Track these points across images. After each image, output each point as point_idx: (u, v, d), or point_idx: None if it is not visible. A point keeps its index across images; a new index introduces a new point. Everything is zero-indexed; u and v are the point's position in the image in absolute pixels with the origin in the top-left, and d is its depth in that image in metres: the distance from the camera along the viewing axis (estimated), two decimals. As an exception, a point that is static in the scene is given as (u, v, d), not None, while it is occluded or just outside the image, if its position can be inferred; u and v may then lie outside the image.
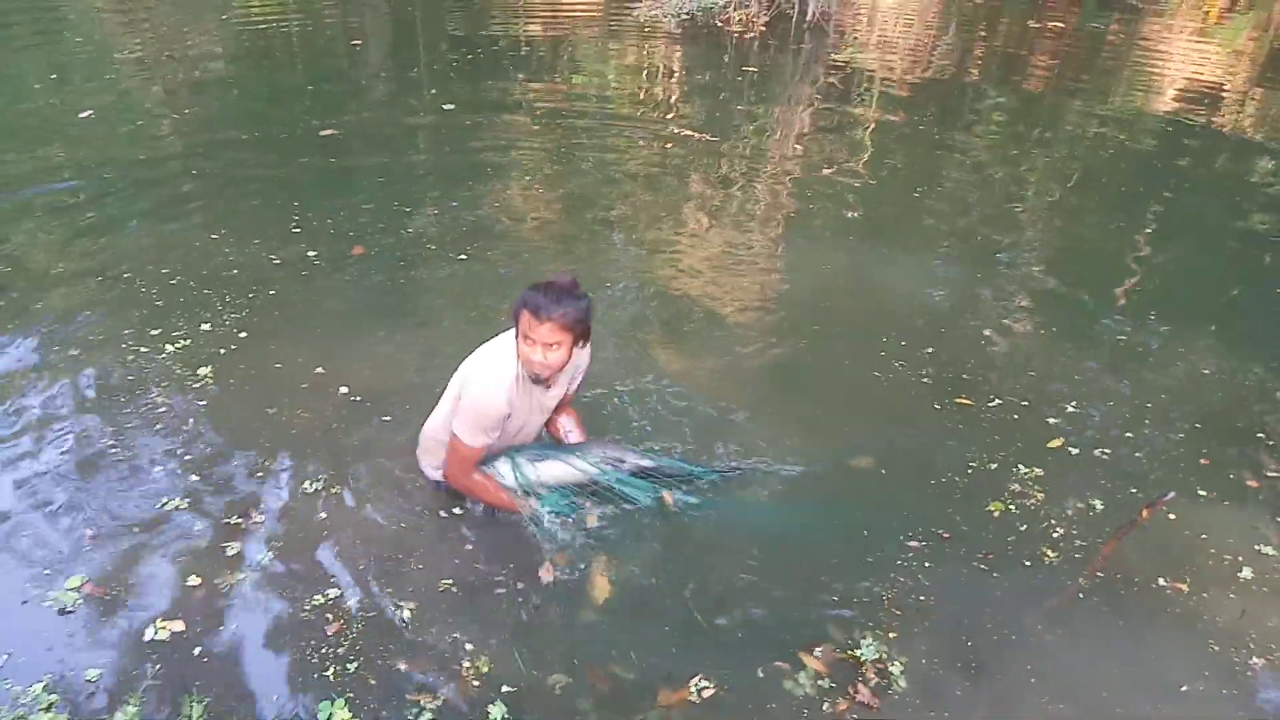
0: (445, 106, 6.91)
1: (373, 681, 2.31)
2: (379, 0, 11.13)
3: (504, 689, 2.29)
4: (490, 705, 2.24)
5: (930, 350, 3.87)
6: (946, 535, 2.87)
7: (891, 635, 2.50)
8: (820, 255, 4.81)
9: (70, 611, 2.47)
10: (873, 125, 7.05)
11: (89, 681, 2.27)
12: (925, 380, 3.69)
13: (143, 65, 7.89)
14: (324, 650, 2.39)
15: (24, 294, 4.01)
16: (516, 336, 2.53)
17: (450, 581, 2.61)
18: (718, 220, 5.21)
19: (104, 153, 5.73)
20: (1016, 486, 3.10)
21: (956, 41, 10.34)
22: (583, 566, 2.68)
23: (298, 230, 4.73)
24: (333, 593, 2.56)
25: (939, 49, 9.81)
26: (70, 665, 2.32)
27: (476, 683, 2.31)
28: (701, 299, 4.29)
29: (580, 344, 2.60)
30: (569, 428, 2.99)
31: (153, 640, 2.39)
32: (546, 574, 2.64)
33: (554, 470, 2.78)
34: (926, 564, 2.76)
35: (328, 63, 8.46)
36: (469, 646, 2.41)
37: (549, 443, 2.95)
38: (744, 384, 3.68)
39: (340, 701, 2.24)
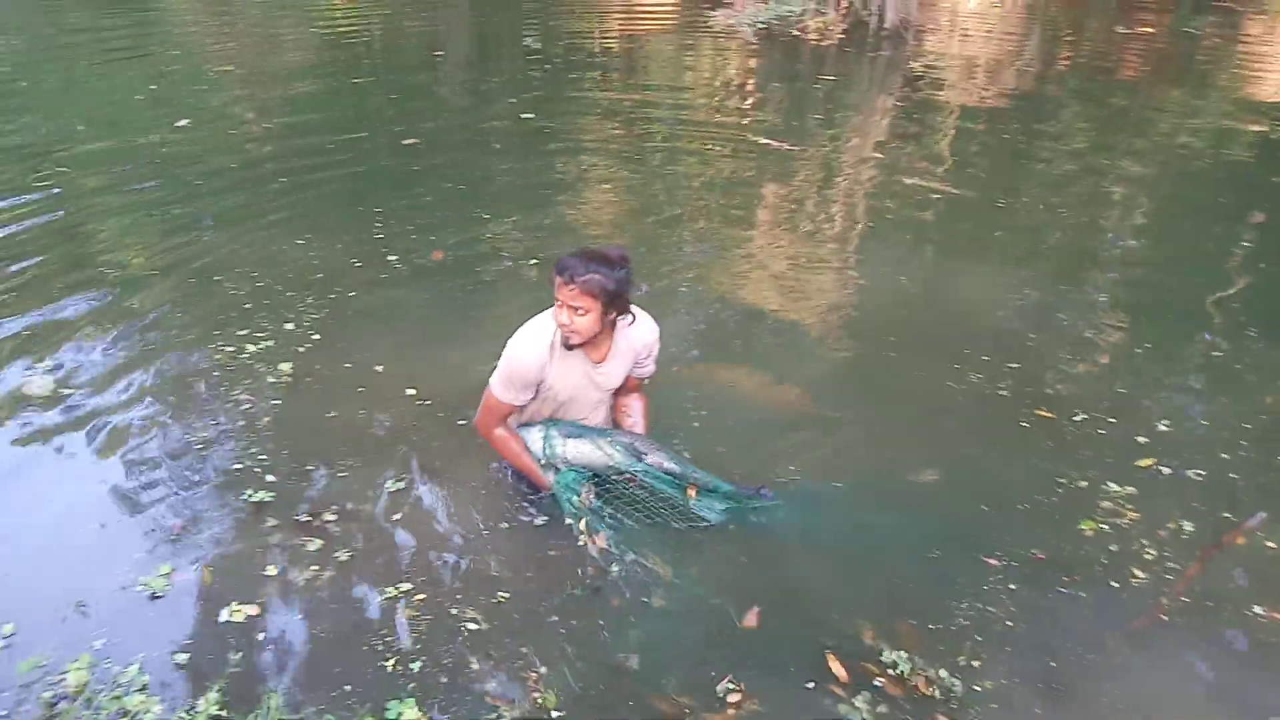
0: (524, 115, 7.01)
1: (443, 680, 2.34)
2: (460, 11, 11.38)
3: (565, 707, 2.29)
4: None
5: (1015, 365, 3.76)
6: (1041, 556, 2.78)
7: (974, 662, 2.42)
8: (897, 265, 4.73)
9: (160, 596, 2.57)
10: (953, 133, 6.91)
11: (178, 666, 2.36)
12: (1005, 394, 3.59)
13: (234, 77, 8.21)
14: (390, 646, 2.43)
15: (120, 293, 4.19)
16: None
17: (507, 594, 2.61)
18: (792, 228, 5.17)
19: (199, 160, 5.97)
20: (1109, 504, 2.99)
21: (1040, 48, 10.09)
22: (639, 572, 2.65)
23: (380, 235, 4.85)
24: (405, 587, 2.61)
25: (1022, 56, 9.57)
26: (160, 647, 2.41)
27: (539, 695, 2.31)
28: (771, 306, 4.26)
29: (616, 316, 2.57)
30: (634, 415, 2.95)
31: (232, 624, 2.48)
32: (594, 546, 2.68)
33: (580, 449, 2.77)
34: (1011, 585, 2.67)
35: (410, 73, 8.67)
36: (532, 656, 2.42)
37: (587, 424, 2.87)
38: (811, 394, 3.61)
39: (409, 701, 2.27)
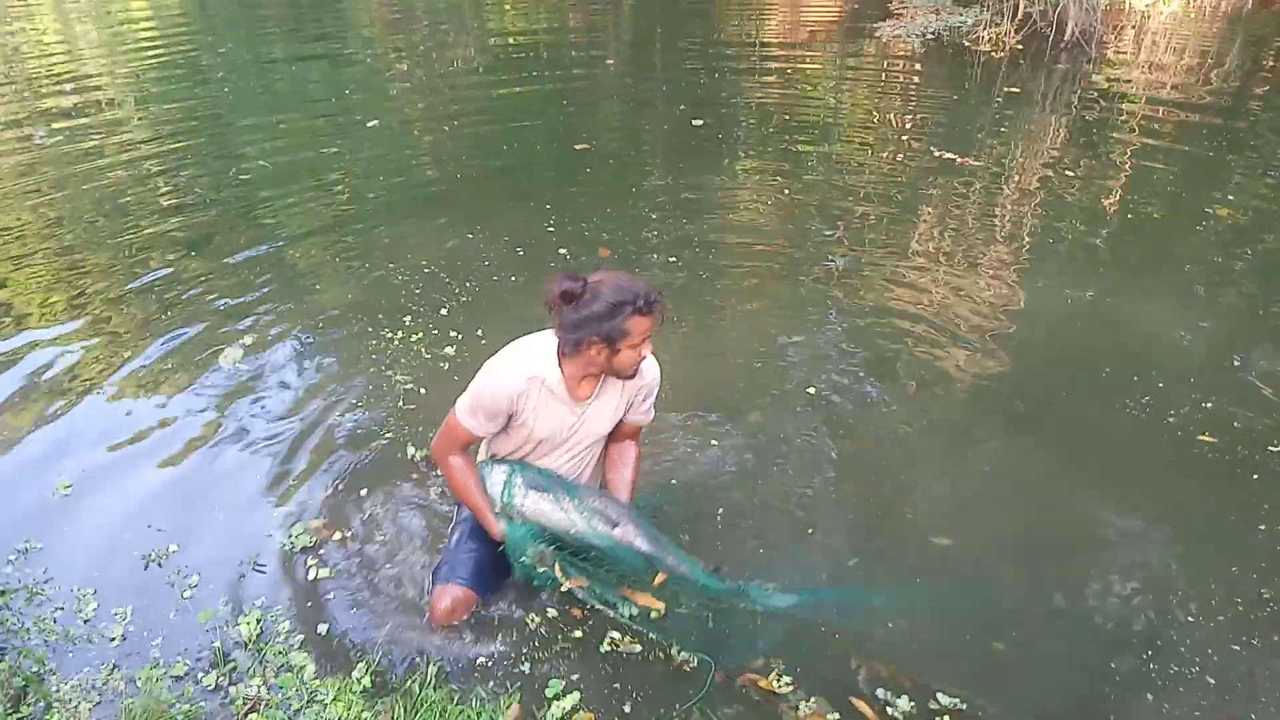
0: (694, 122, 7.01)
1: (604, 671, 2.35)
2: (623, 13, 11.57)
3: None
4: None
5: (1207, 403, 3.45)
6: (1265, 593, 2.59)
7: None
8: (1068, 285, 4.43)
9: (317, 562, 2.71)
10: (1135, 149, 6.45)
11: (333, 630, 2.47)
12: (1186, 425, 3.31)
13: (416, 83, 8.64)
14: (525, 633, 2.46)
15: (297, 276, 4.48)
16: (605, 348, 2.19)
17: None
18: (955, 242, 4.94)
19: (384, 158, 6.31)
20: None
21: (1240, 64, 9.29)
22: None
23: (551, 230, 4.99)
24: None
25: (1218, 72, 8.84)
26: (317, 610, 2.55)
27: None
28: (924, 323, 4.07)
29: None
30: (623, 467, 2.56)
31: (381, 595, 2.59)
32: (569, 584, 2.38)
33: (541, 506, 2.36)
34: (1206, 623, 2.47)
35: (579, 78, 8.86)
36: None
37: (561, 475, 2.47)
38: (969, 423, 3.42)
39: (575, 695, 2.26)
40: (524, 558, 2.35)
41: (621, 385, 2.40)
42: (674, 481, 3.05)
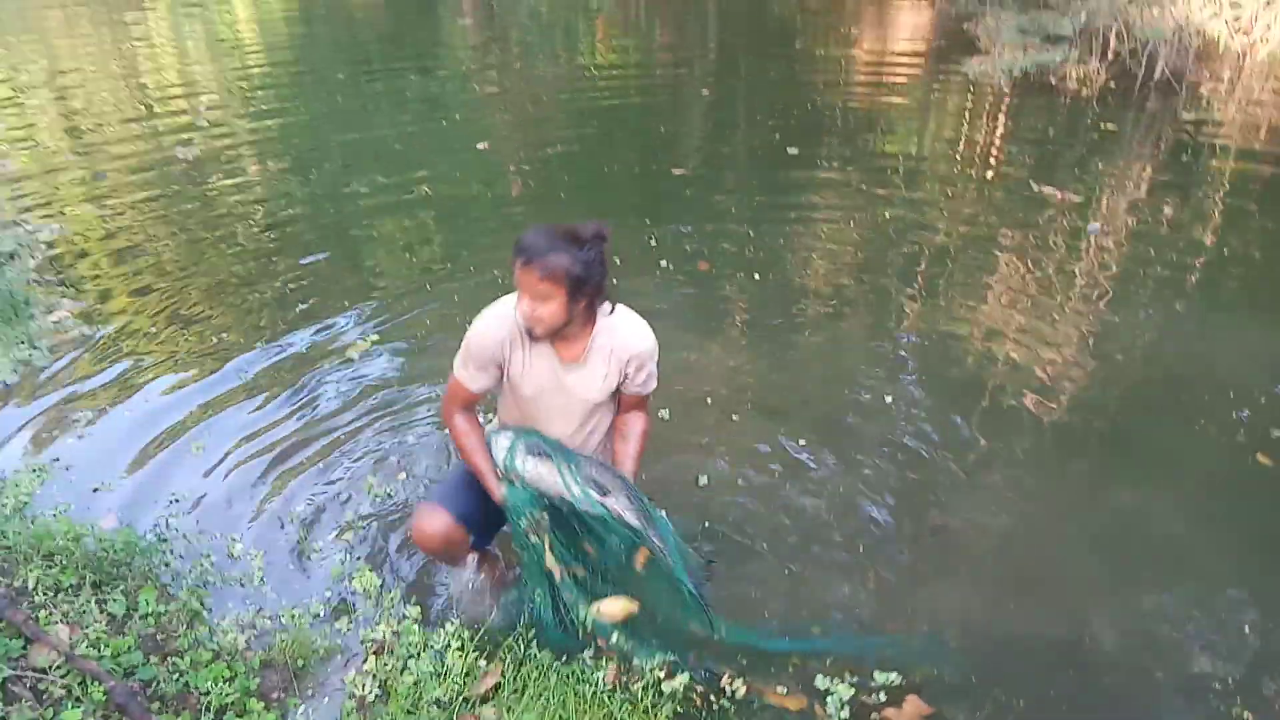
0: (790, 150, 7.25)
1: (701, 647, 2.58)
2: (707, 45, 11.89)
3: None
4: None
5: None
6: None
7: None
8: (1156, 322, 4.54)
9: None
10: (1229, 191, 6.46)
11: (437, 586, 2.77)
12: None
13: (514, 107, 9.06)
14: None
15: (412, 283, 4.87)
16: None
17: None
18: (1038, 276, 5.04)
19: (492, 180, 6.68)
20: None
21: (1340, 107, 9.13)
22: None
23: (653, 244, 5.32)
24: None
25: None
26: (422, 566, 2.85)
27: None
28: (1004, 358, 4.19)
29: (588, 303, 2.25)
30: (628, 437, 2.55)
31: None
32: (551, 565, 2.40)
33: (540, 470, 2.35)
34: None
35: (671, 103, 9.15)
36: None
37: (563, 446, 2.43)
38: (1055, 468, 3.50)
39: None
40: (520, 521, 2.37)
41: (610, 353, 2.38)
42: (740, 499, 3.25)
